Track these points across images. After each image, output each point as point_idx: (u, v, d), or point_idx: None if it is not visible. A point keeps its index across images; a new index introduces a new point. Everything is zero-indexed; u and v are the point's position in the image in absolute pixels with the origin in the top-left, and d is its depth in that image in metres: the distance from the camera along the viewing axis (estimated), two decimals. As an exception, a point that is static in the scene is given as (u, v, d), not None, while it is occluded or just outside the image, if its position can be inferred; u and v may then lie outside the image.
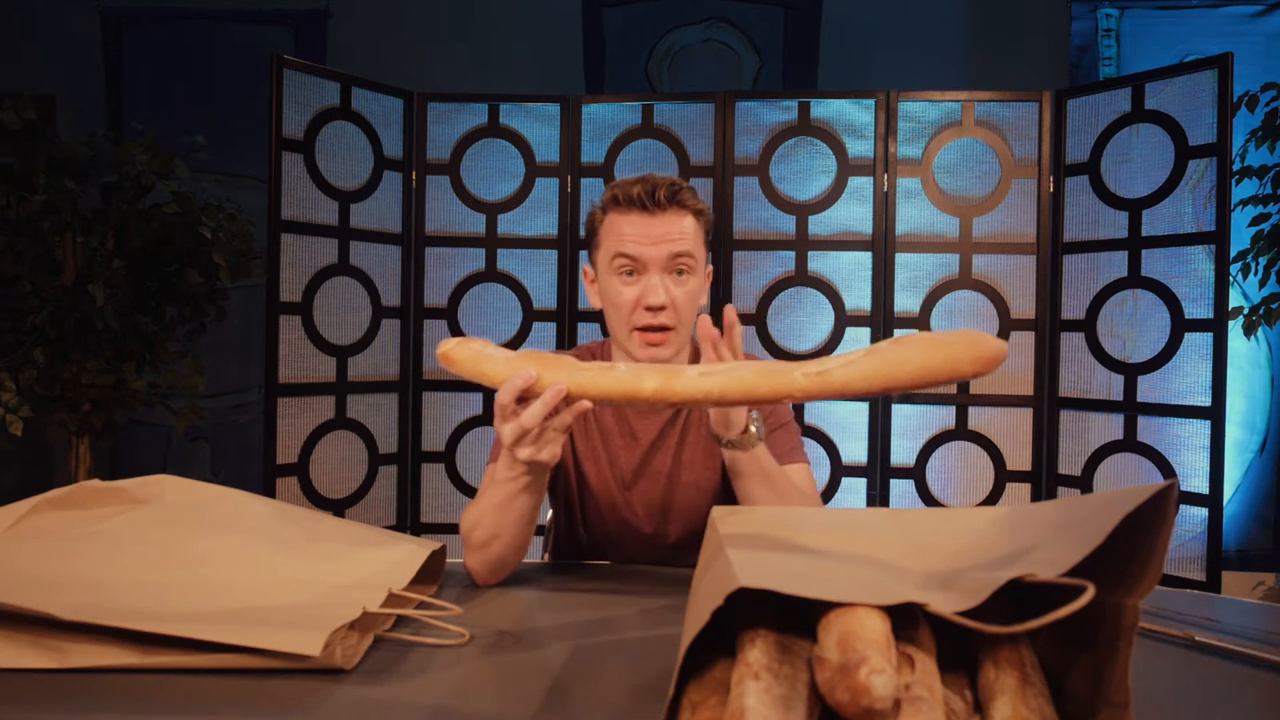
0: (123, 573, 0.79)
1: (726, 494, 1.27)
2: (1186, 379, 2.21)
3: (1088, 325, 2.35)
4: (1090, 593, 0.45)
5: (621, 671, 0.72)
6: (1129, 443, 2.29)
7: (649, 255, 1.15)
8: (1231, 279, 2.42)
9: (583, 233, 1.29)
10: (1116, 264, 2.31)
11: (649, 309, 1.15)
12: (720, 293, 2.44)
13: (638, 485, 1.25)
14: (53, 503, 0.87)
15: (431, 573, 0.97)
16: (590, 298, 1.26)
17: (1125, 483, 2.30)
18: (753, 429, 1.04)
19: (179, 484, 0.95)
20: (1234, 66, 2.12)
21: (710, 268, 1.27)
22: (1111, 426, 2.32)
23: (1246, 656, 0.76)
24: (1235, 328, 2.58)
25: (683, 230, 1.16)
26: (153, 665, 0.69)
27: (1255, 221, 2.57)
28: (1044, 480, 2.41)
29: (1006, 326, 2.40)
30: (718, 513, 0.73)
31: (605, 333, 1.29)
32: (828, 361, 0.74)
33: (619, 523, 1.26)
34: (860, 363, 0.73)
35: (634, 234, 1.15)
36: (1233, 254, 2.41)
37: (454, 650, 0.77)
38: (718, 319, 2.49)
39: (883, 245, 2.42)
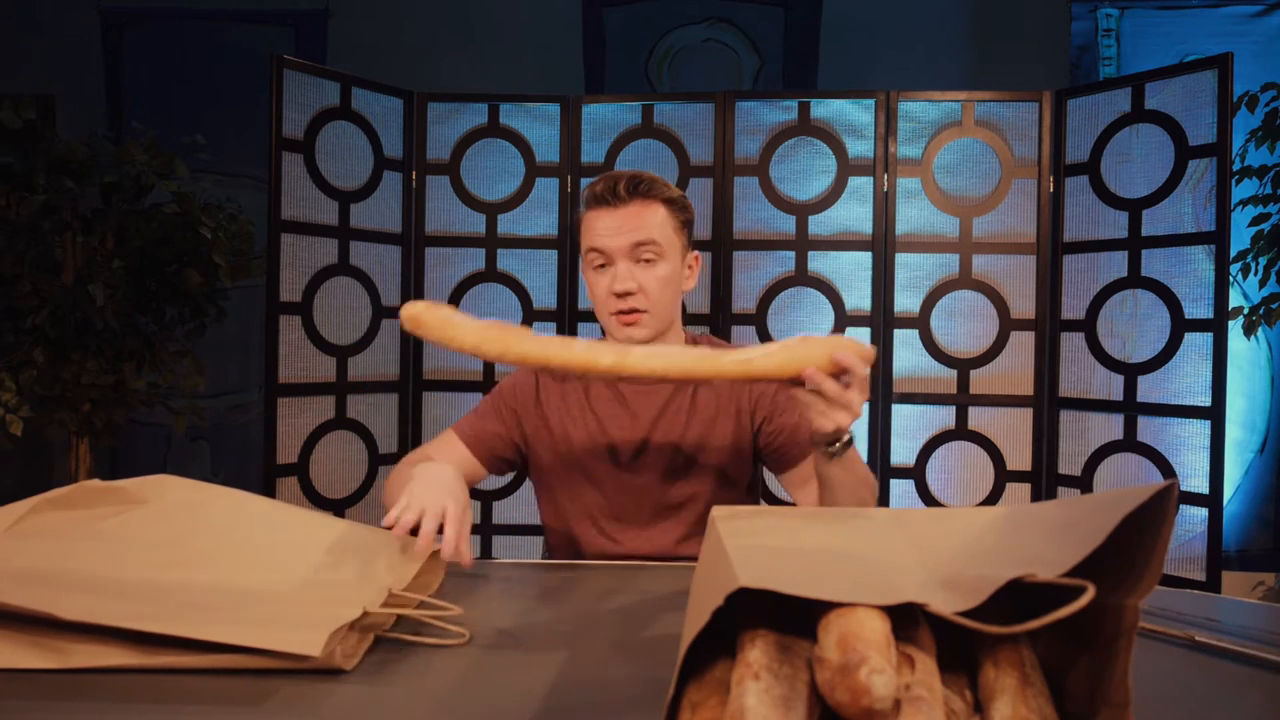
0: (124, 572, 0.79)
1: (735, 471, 1.28)
2: (1186, 379, 2.20)
3: (1088, 325, 2.35)
4: (1090, 593, 0.45)
5: (621, 671, 0.72)
6: (1129, 443, 2.29)
7: (612, 246, 1.22)
8: (1231, 279, 2.42)
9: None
10: (1116, 264, 2.31)
11: (617, 295, 1.21)
12: (721, 292, 2.44)
13: (640, 462, 1.26)
14: (53, 502, 0.87)
15: (431, 574, 0.97)
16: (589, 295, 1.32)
17: (1125, 483, 2.30)
18: (841, 442, 1.02)
19: (179, 484, 0.95)
20: (1234, 66, 2.12)
21: (695, 254, 1.31)
22: (1111, 426, 2.32)
23: (1246, 656, 0.76)
24: (1235, 328, 2.58)
25: (645, 220, 1.22)
26: (154, 665, 0.69)
27: (1255, 221, 2.57)
28: (1044, 480, 2.41)
29: (1006, 326, 2.40)
30: (718, 513, 0.73)
31: (604, 331, 1.31)
32: (751, 351, 0.91)
33: (621, 503, 1.27)
34: (776, 354, 0.91)
35: (600, 228, 1.23)
36: (1233, 254, 2.41)
37: (454, 650, 0.77)
38: (716, 312, 2.49)
39: (883, 245, 2.42)
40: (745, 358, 0.90)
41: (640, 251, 1.21)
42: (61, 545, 0.81)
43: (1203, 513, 2.18)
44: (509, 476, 2.52)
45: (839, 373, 0.93)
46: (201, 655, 0.69)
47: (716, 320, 2.45)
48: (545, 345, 0.88)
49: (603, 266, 1.23)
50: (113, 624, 0.68)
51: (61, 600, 0.69)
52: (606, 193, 1.22)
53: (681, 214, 1.26)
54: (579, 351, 0.88)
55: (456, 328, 0.88)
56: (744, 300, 2.46)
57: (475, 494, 2.52)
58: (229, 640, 0.68)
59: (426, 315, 0.88)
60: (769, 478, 2.09)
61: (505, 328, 0.89)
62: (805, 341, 0.92)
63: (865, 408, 2.43)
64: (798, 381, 0.93)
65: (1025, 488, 2.41)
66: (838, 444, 1.02)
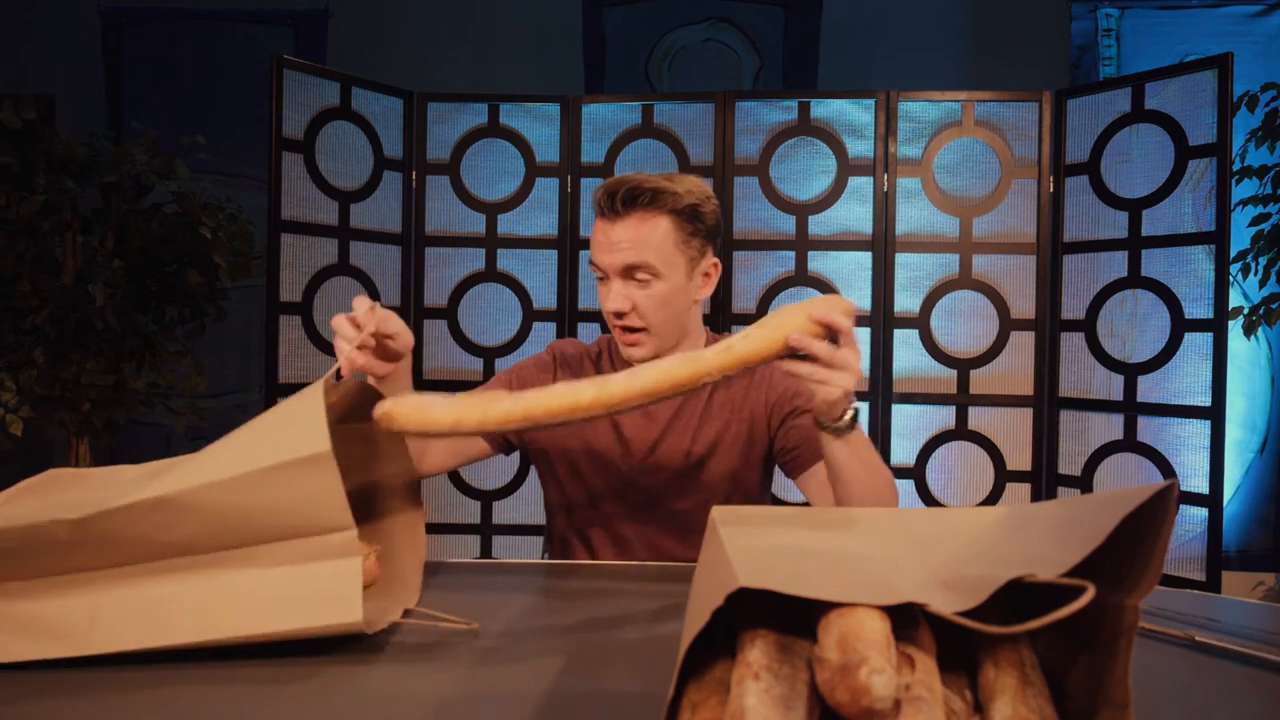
0: (116, 496, 0.80)
1: (747, 477, 1.27)
2: (1186, 379, 2.20)
3: (1088, 325, 2.35)
4: (1090, 593, 0.45)
5: (622, 671, 0.72)
6: (1129, 443, 2.29)
7: (605, 263, 1.17)
8: (1231, 279, 2.42)
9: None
10: (1116, 264, 2.31)
11: (611, 314, 1.18)
12: (721, 293, 2.44)
13: (651, 463, 1.25)
14: (28, 490, 0.89)
15: (412, 554, 0.98)
16: None
17: (1125, 483, 2.30)
18: (849, 414, 1.01)
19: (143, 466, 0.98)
20: (1234, 66, 2.12)
21: (714, 260, 1.24)
22: (1111, 426, 2.32)
23: (1246, 656, 0.76)
24: (1235, 328, 2.58)
25: (640, 238, 1.15)
26: (173, 645, 0.71)
27: (1255, 221, 2.57)
28: (1044, 480, 2.41)
29: (1006, 326, 2.40)
30: (718, 513, 0.73)
31: (605, 329, 1.29)
32: (730, 339, 0.87)
33: (629, 503, 1.26)
34: (754, 334, 0.87)
35: (598, 240, 1.18)
36: (1233, 254, 2.41)
37: (458, 649, 0.77)
38: (716, 313, 2.48)
39: (883, 245, 2.42)
40: (726, 345, 0.86)
41: (630, 273, 1.16)
42: (47, 503, 0.83)
43: (1203, 513, 2.18)
44: (509, 477, 2.52)
45: (825, 333, 0.90)
46: (220, 625, 0.72)
47: (716, 320, 2.45)
48: (523, 399, 0.82)
49: (603, 279, 1.19)
50: (119, 503, 0.71)
51: (65, 507, 0.73)
52: (604, 203, 1.16)
53: (691, 224, 1.17)
54: (558, 394, 0.82)
55: (430, 410, 0.82)
56: (744, 300, 2.46)
57: (476, 493, 2.52)
58: (262, 630, 0.71)
59: (396, 410, 0.82)
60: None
61: (476, 395, 0.84)
62: (780, 313, 0.89)
63: (864, 407, 2.46)
64: (788, 356, 0.89)
65: (1025, 488, 2.41)
66: (844, 417, 1.00)
